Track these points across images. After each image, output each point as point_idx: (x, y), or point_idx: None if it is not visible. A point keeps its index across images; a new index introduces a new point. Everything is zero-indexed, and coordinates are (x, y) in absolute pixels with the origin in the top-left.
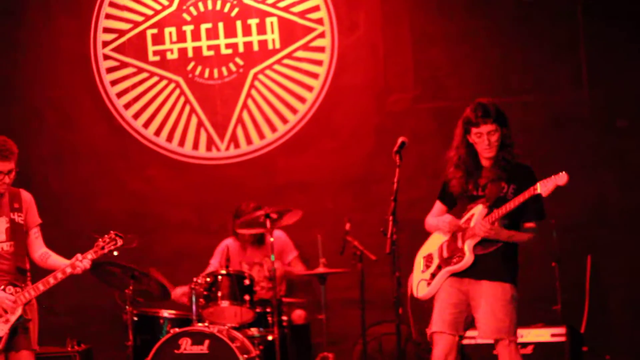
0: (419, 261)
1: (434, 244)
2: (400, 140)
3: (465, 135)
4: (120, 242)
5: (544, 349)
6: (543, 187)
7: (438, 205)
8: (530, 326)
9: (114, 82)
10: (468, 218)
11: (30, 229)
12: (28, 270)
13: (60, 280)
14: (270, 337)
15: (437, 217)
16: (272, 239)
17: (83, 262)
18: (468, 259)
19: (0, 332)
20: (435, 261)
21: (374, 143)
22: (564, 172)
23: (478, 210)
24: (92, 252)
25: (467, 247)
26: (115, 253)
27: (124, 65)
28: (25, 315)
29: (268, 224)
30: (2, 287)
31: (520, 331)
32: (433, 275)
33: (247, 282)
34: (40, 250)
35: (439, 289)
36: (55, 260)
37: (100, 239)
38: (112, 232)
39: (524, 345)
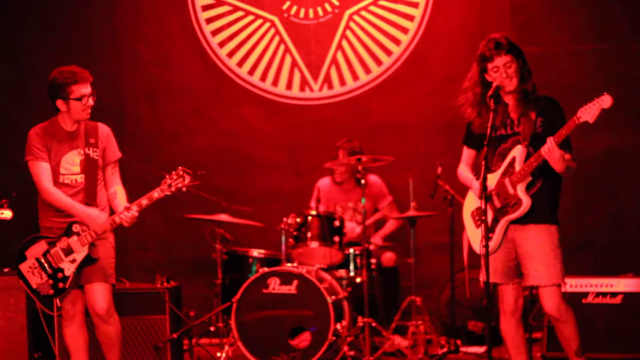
0: (468, 218)
1: (476, 198)
2: (495, 84)
3: (482, 73)
4: (188, 179)
5: (633, 299)
6: (587, 114)
7: (466, 151)
8: (620, 276)
9: (209, 20)
10: (509, 162)
11: (107, 164)
12: (97, 208)
13: (116, 225)
14: (358, 280)
15: (469, 172)
16: (362, 182)
17: (129, 212)
18: (526, 203)
19: (67, 271)
20: (489, 214)
21: None
22: (606, 94)
23: (518, 151)
24: (159, 190)
25: (521, 191)
26: (184, 189)
27: (219, 3)
28: (92, 255)
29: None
30: (68, 224)
31: (609, 281)
32: (491, 229)
33: (337, 223)
34: (113, 188)
35: (501, 240)
36: (117, 204)
37: (167, 176)
38: (179, 168)
39: (614, 295)
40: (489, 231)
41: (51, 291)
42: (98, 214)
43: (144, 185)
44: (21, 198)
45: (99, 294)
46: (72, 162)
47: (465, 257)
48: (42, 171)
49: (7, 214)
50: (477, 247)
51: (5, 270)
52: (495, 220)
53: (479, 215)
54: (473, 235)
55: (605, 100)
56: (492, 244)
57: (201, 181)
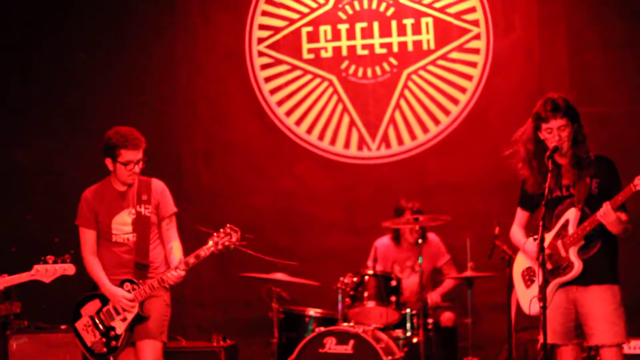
0: (518, 278)
1: (526, 258)
2: (553, 144)
3: (536, 131)
4: (235, 236)
5: None
6: None
7: (520, 213)
8: None
9: (267, 79)
10: (562, 224)
11: (162, 219)
12: (149, 265)
13: (165, 284)
14: (415, 340)
15: (522, 235)
16: (420, 241)
17: (176, 272)
18: (578, 266)
19: (118, 329)
20: (539, 275)
21: None
22: None
23: (572, 214)
24: (205, 249)
25: (573, 254)
26: (232, 247)
27: (278, 62)
28: (142, 313)
29: (417, 228)
30: (119, 283)
31: None
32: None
33: (393, 283)
34: (169, 243)
35: (550, 301)
36: (172, 260)
37: (214, 234)
38: (227, 226)
39: None
40: (542, 293)
41: (104, 349)
42: (122, 294)
43: (202, 243)
44: (80, 256)
45: (149, 351)
46: (122, 222)
47: (513, 317)
48: (86, 239)
49: (71, 269)
50: (526, 308)
51: (63, 327)
52: (545, 282)
53: (529, 275)
54: (522, 295)
55: None
56: (540, 305)
57: (248, 241)
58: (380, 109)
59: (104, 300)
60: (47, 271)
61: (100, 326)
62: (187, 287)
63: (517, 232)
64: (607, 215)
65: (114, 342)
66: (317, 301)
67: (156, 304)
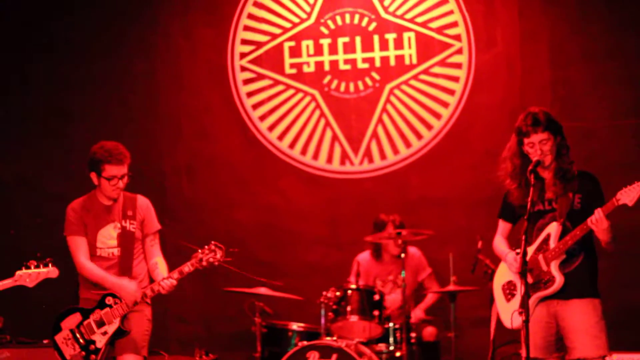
0: (498, 291)
1: (508, 271)
2: (535, 159)
3: (520, 146)
4: (220, 253)
5: None
6: (627, 197)
7: (502, 224)
8: None
9: (250, 94)
10: (544, 239)
11: (146, 236)
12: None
13: (155, 293)
14: (398, 354)
15: (505, 245)
16: (402, 255)
17: (168, 280)
18: (559, 281)
19: (98, 343)
20: (521, 289)
21: None
22: None
23: (554, 229)
24: (189, 265)
25: (554, 268)
26: (216, 264)
27: (260, 77)
28: (123, 327)
29: (400, 242)
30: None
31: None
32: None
33: (376, 297)
34: (153, 259)
35: (531, 315)
36: (158, 274)
37: (199, 251)
38: (212, 243)
39: None
40: (523, 307)
41: None
42: (128, 282)
43: (184, 259)
44: (63, 270)
45: None
46: (108, 235)
47: (492, 330)
48: (77, 245)
49: (54, 272)
50: (507, 322)
51: (45, 342)
52: (527, 296)
53: (510, 289)
54: (503, 309)
55: None
56: (521, 319)
57: (233, 257)
58: (363, 124)
59: (85, 313)
60: (29, 276)
61: (81, 340)
62: (170, 301)
63: (500, 243)
64: (600, 222)
65: (93, 356)
66: (300, 315)
67: (137, 318)
